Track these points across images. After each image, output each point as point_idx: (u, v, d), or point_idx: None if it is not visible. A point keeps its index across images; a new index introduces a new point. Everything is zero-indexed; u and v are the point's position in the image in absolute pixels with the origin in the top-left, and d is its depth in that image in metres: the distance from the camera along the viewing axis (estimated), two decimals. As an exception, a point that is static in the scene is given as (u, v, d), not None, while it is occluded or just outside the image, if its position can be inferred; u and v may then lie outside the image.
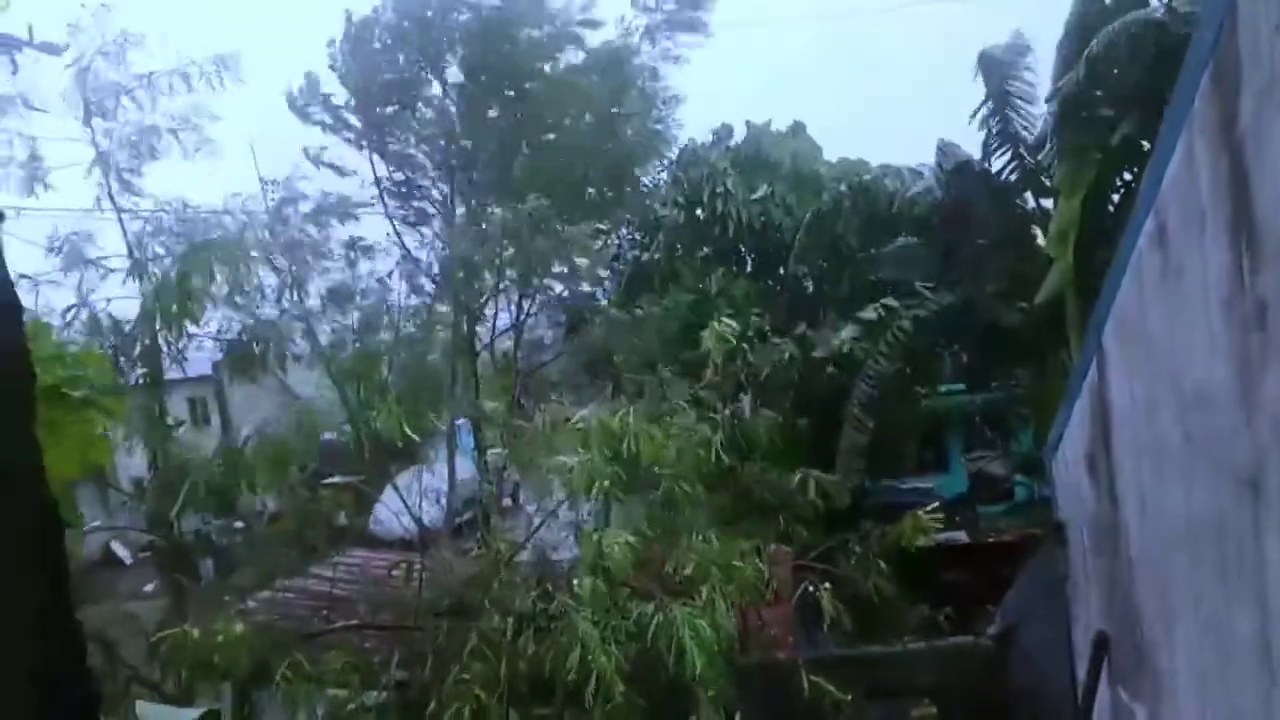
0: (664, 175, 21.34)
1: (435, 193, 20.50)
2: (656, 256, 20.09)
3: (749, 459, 13.87)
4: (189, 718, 6.84)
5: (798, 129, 20.98)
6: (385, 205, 20.53)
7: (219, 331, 15.39)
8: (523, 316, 21.79)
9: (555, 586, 8.80)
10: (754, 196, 19.10)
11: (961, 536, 15.89)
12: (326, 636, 10.07)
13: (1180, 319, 4.66)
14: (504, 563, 9.53)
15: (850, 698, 10.12)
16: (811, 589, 11.81)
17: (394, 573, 10.88)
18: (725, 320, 11.92)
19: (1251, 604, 3.97)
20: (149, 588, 14.31)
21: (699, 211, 19.57)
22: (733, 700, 9.16)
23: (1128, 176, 14.02)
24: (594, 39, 19.51)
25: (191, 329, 13.43)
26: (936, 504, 16.80)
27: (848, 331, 15.40)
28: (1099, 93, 12.96)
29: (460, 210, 20.08)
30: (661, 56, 19.70)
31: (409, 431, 11.58)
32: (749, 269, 20.39)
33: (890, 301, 15.24)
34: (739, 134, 21.39)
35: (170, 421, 15.52)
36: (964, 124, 16.84)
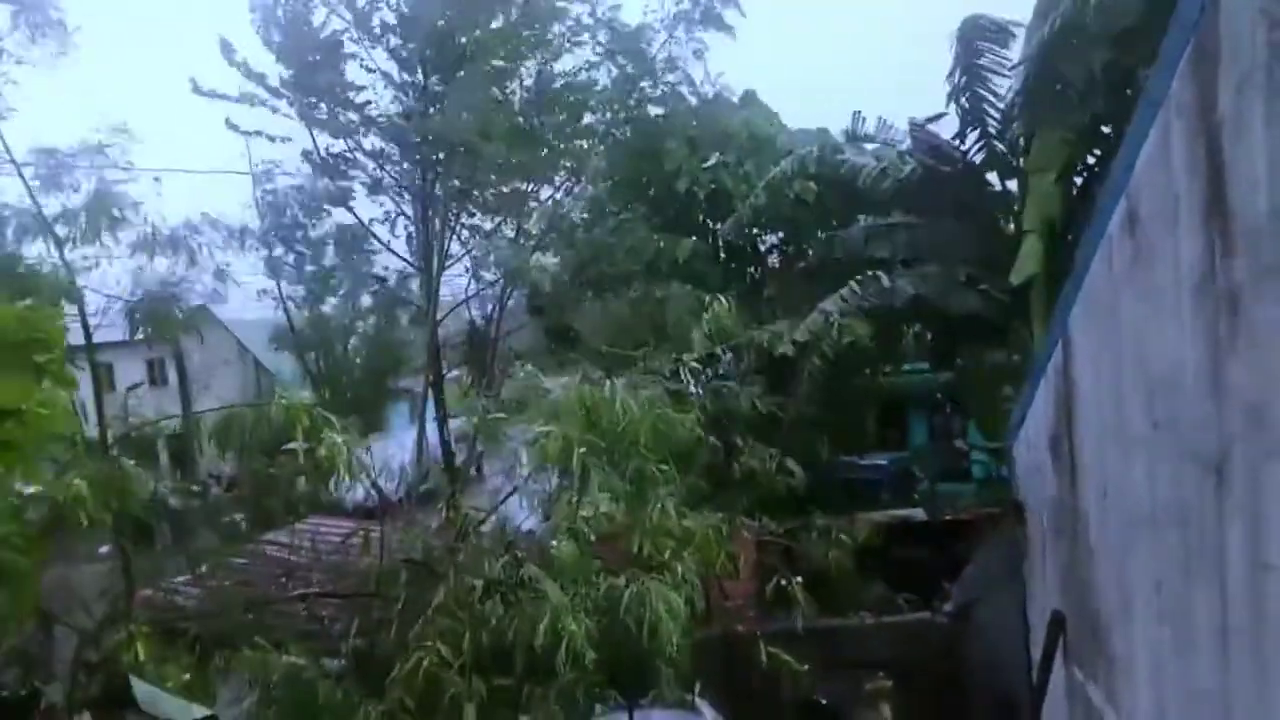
0: (608, 131, 20.77)
1: (383, 163, 20.02)
2: (607, 225, 19.76)
3: (724, 435, 13.93)
4: (184, 712, 6.69)
5: (749, 97, 20.69)
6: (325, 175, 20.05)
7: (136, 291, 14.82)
8: (478, 286, 21.56)
9: (524, 553, 8.75)
10: (706, 164, 18.83)
11: (919, 514, 16.06)
12: (283, 604, 9.96)
13: (1150, 304, 4.67)
14: (472, 528, 9.45)
15: (807, 669, 10.25)
16: (773, 566, 11.91)
17: (352, 541, 10.77)
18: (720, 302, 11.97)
19: (1212, 589, 4.01)
20: (104, 550, 14.08)
21: (645, 179, 19.25)
22: (693, 672, 9.20)
23: (1090, 160, 14.08)
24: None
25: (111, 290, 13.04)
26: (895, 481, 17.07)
27: (811, 319, 15.39)
28: (1066, 68, 12.96)
29: (415, 176, 19.69)
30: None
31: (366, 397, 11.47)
32: (706, 239, 20.09)
33: (854, 286, 15.22)
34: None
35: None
36: (927, 98, 16.83)
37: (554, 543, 8.62)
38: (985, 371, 15.24)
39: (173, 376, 22.99)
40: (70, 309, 11.84)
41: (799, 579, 11.59)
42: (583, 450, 7.95)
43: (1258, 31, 3.35)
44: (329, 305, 21.35)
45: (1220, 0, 3.65)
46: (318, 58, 18.50)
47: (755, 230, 18.80)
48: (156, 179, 14.14)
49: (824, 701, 11.91)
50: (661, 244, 18.02)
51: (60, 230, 11.74)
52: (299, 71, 18.63)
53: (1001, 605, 8.64)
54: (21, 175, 11.40)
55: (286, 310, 20.54)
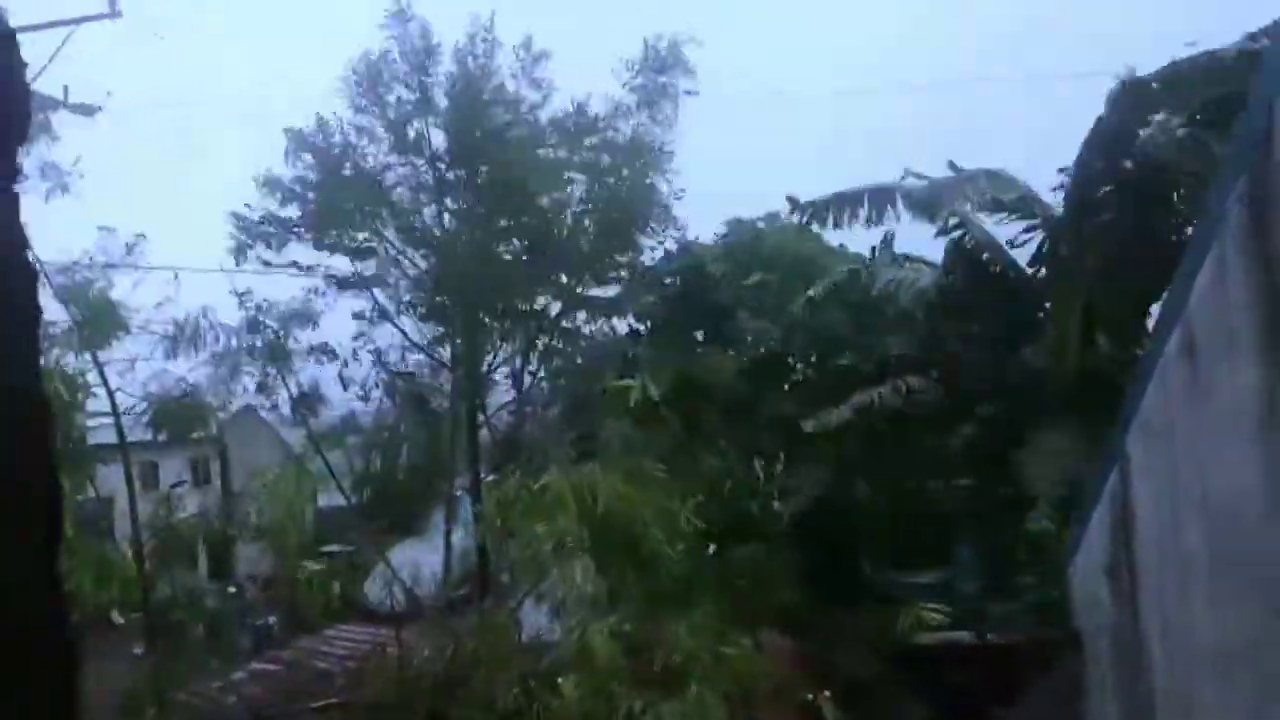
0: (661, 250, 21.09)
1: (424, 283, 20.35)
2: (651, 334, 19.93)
3: (744, 540, 13.69)
4: None
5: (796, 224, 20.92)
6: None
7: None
8: (521, 390, 21.72)
9: (539, 678, 8.40)
10: (747, 283, 19.04)
11: (965, 636, 15.50)
12: (306, 716, 9.79)
13: (1209, 432, 4.57)
14: (484, 653, 9.10)
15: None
16: (810, 691, 11.48)
17: (378, 650, 10.63)
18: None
19: (1288, 736, 3.81)
20: (138, 650, 13.99)
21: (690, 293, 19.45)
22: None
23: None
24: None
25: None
26: (939, 599, 16.54)
27: (838, 414, 15.28)
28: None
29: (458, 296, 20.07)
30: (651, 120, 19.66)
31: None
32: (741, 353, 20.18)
33: (883, 389, 15.10)
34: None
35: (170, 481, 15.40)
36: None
37: (559, 680, 8.21)
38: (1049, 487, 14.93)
39: (216, 480, 23.24)
40: (104, 409, 12.04)
41: (832, 697, 11.18)
42: (569, 541, 7.70)
43: (1316, 166, 3.35)
44: (371, 409, 21.58)
45: (1275, 138, 3.66)
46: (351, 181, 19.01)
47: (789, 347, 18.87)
48: (176, 275, 14.43)
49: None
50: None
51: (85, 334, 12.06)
52: (330, 195, 19.04)
53: (1059, 739, 8.26)
54: (49, 281, 11.72)
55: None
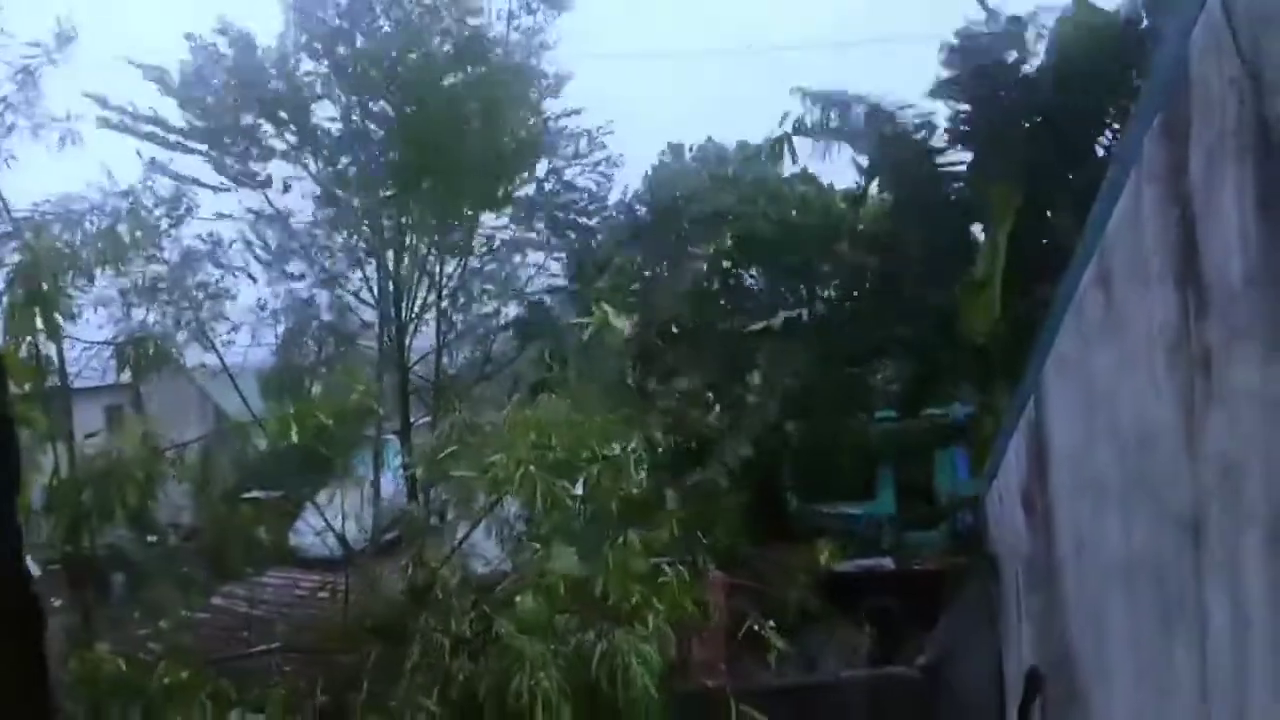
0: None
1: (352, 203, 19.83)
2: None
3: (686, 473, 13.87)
4: None
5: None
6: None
7: (115, 337, 14.52)
8: (448, 331, 21.41)
9: (491, 607, 8.54)
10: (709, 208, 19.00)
11: (888, 563, 16.03)
12: (245, 660, 9.70)
13: (1123, 361, 4.75)
14: (434, 583, 9.23)
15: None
16: (744, 613, 11.76)
17: (320, 594, 10.54)
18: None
19: (1191, 647, 4.03)
20: (56, 603, 13.65)
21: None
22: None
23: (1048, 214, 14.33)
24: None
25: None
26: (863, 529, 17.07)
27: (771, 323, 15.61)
28: (1022, 117, 13.33)
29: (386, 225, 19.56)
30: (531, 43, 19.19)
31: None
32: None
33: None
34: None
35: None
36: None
37: (518, 599, 8.39)
38: (968, 419, 15.39)
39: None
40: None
41: (772, 625, 11.49)
42: (531, 468, 7.73)
43: (1228, 101, 3.45)
44: (292, 348, 21.07)
45: (1192, 70, 3.76)
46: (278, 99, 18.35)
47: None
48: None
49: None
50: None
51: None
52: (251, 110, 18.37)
53: (976, 660, 8.63)
54: None
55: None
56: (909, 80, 16.08)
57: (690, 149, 21.06)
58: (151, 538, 19.01)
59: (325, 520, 13.02)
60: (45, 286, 9.36)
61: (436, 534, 12.75)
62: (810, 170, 18.10)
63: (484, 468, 8.04)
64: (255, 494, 16.53)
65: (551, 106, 19.28)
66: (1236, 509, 3.69)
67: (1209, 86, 3.66)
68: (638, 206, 20.26)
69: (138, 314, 13.19)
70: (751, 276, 19.43)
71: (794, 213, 17.56)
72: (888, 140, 15.51)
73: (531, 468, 7.73)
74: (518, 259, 21.23)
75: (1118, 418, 4.79)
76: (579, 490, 8.24)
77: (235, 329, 16.91)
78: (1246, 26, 3.28)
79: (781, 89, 16.39)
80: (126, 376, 13.09)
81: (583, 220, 20.44)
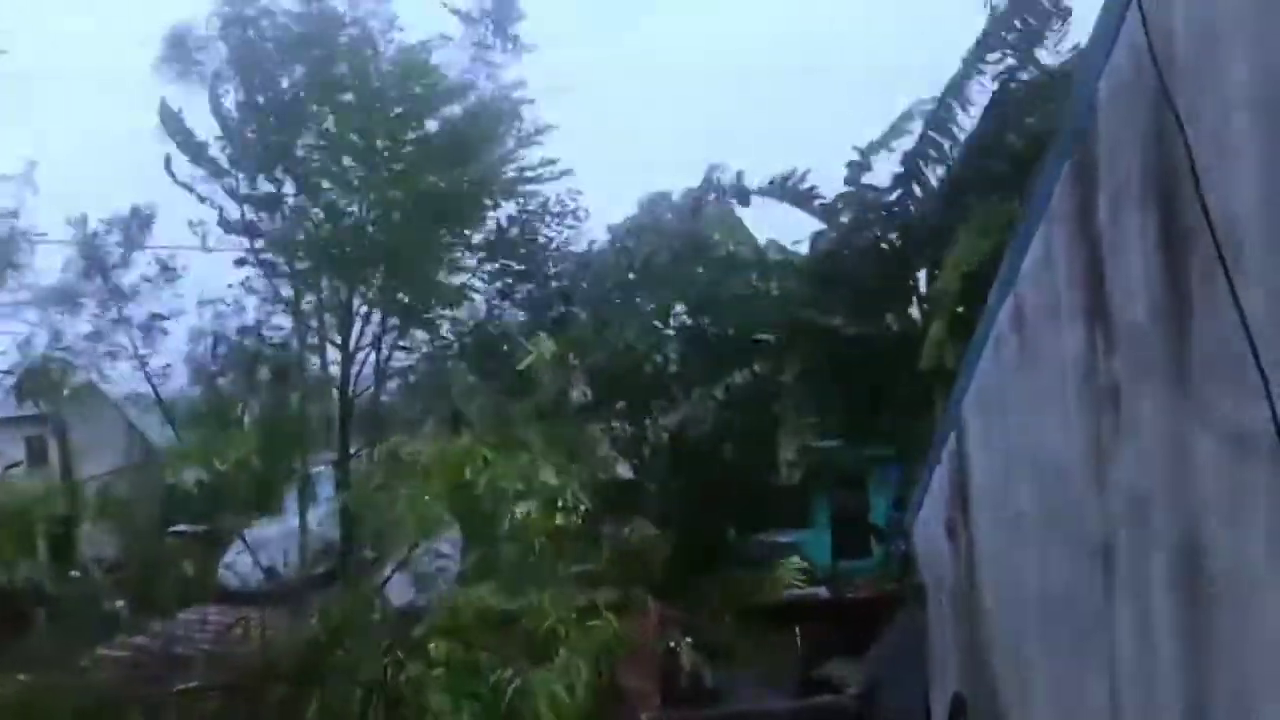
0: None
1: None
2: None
3: (614, 508, 13.87)
4: None
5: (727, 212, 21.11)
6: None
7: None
8: (385, 357, 21.17)
9: (406, 650, 8.36)
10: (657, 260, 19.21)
11: (822, 592, 16.19)
12: (163, 700, 9.44)
13: (1037, 395, 4.91)
14: (349, 627, 8.98)
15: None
16: (674, 645, 11.80)
17: (237, 630, 10.33)
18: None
19: (1101, 672, 4.16)
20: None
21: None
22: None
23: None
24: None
25: None
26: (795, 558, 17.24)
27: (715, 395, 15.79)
28: (991, 163, 13.74)
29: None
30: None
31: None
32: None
33: (758, 368, 15.68)
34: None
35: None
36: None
37: (431, 646, 8.20)
38: (899, 449, 15.67)
39: (54, 455, 21.89)
40: None
41: (701, 656, 11.52)
42: (441, 513, 7.66)
43: (1132, 151, 3.63)
44: (224, 383, 20.64)
45: (1099, 117, 3.94)
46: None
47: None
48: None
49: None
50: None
51: None
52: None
53: (906, 687, 8.74)
54: None
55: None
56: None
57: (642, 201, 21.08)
58: (74, 573, 18.45)
59: (252, 555, 12.79)
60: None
61: (363, 569, 12.58)
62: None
63: (407, 503, 7.95)
64: (181, 528, 16.14)
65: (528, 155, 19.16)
66: (1144, 540, 3.84)
67: (1115, 133, 3.85)
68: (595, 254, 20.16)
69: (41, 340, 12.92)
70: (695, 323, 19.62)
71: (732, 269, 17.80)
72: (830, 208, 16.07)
73: (442, 513, 7.64)
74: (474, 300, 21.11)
75: (1033, 450, 4.94)
76: (505, 525, 8.18)
77: (166, 364, 16.63)
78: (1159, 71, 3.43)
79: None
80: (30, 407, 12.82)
81: (544, 267, 20.29)
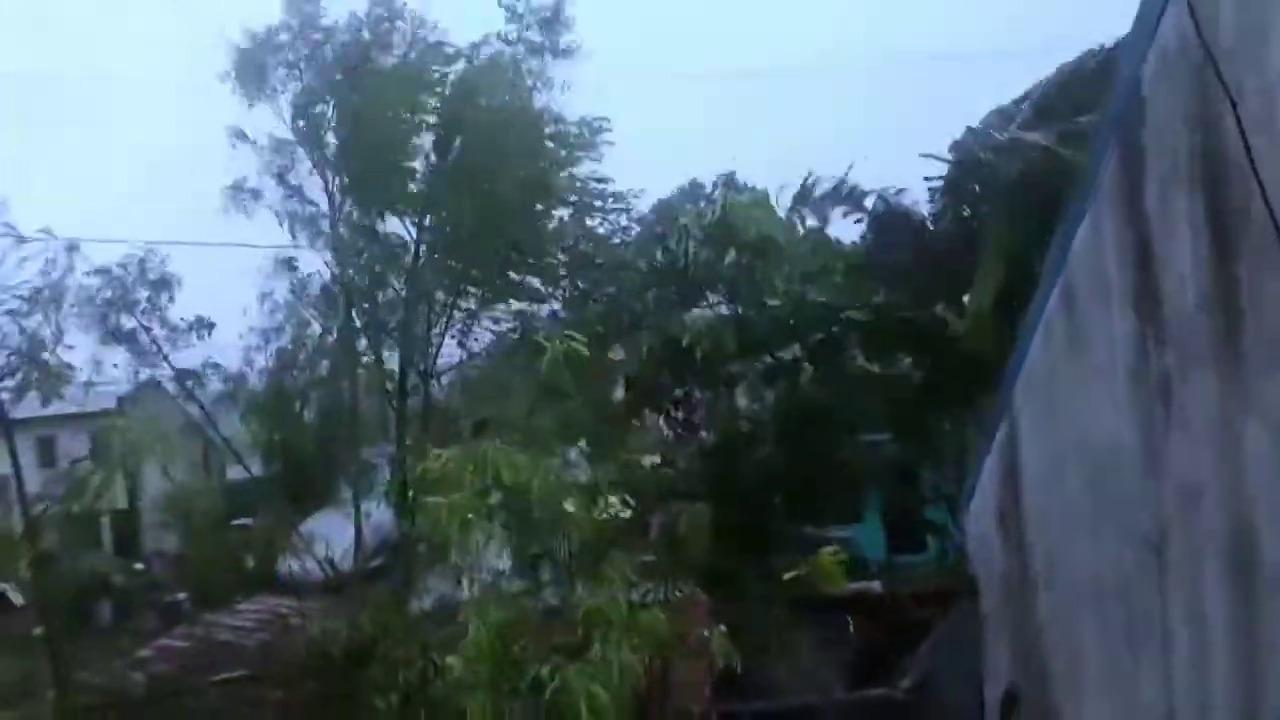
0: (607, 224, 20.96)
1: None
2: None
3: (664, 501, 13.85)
4: None
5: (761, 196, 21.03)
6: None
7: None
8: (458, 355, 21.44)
9: (446, 649, 8.34)
10: (725, 262, 19.17)
11: (876, 587, 16.05)
12: (216, 689, 9.69)
13: (1087, 382, 4.81)
14: (394, 622, 9.03)
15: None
16: (723, 637, 11.76)
17: (291, 622, 10.55)
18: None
19: (1156, 666, 4.08)
20: (39, 630, 13.61)
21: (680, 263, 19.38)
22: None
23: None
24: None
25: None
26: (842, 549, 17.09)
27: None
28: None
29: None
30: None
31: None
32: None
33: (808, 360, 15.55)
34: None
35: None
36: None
37: (461, 647, 8.18)
38: (953, 442, 15.45)
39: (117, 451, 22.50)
40: None
41: (750, 651, 11.46)
42: (470, 516, 7.66)
43: (1180, 134, 3.54)
44: (284, 373, 21.05)
45: (1145, 100, 3.85)
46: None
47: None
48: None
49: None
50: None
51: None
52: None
53: (959, 680, 8.63)
54: None
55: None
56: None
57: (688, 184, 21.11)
58: (138, 565, 18.98)
59: (309, 547, 13.03)
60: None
61: (415, 563, 12.72)
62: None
63: (451, 502, 7.94)
64: (243, 521, 16.48)
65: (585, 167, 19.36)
66: (1197, 532, 3.75)
67: (1161, 116, 3.76)
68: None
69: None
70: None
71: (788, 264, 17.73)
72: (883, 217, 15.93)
73: (470, 516, 7.63)
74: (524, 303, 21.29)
75: (1083, 438, 4.85)
76: (552, 520, 8.18)
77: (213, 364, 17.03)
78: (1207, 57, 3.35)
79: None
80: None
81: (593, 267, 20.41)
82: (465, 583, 8.79)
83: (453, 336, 20.58)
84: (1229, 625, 3.51)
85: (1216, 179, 3.30)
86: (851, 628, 13.89)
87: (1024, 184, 13.51)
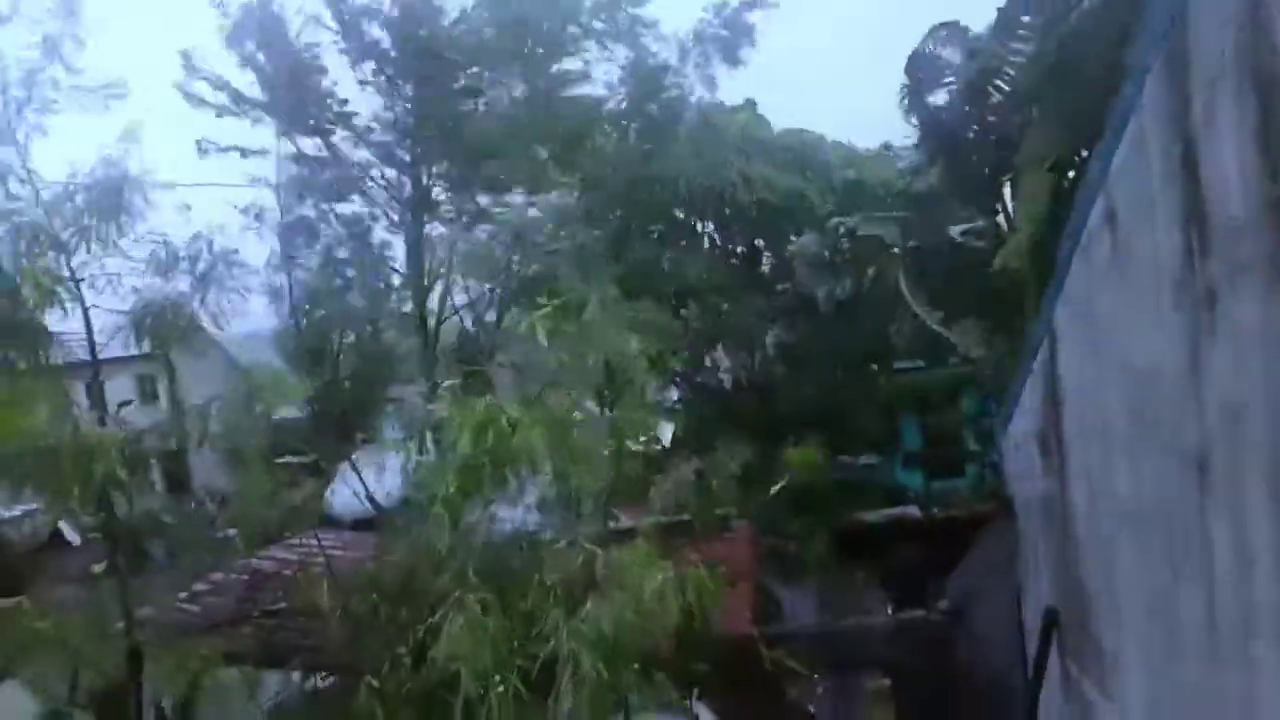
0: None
1: (375, 171, 20.02)
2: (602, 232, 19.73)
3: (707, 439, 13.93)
4: None
5: (748, 105, 20.89)
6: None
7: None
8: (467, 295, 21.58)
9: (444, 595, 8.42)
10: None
11: (914, 512, 16.09)
12: (248, 622, 10.01)
13: (1129, 300, 4.71)
14: (425, 559, 9.08)
15: (808, 672, 10.26)
16: (763, 565, 11.91)
17: (338, 555, 10.77)
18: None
19: (1198, 584, 4.05)
20: (97, 568, 14.06)
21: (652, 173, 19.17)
22: (695, 676, 9.17)
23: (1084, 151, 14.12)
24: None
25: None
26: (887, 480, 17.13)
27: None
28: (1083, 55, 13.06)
29: (408, 185, 19.76)
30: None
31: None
32: (705, 243, 20.36)
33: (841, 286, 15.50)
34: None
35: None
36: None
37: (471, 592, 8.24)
38: (990, 364, 15.36)
39: (164, 393, 22.94)
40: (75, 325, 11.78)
41: (793, 575, 11.61)
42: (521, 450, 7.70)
43: (1225, 36, 3.39)
44: (319, 313, 21.32)
45: (1190, 9, 3.69)
46: (299, 67, 18.54)
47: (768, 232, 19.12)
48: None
49: (811, 708, 12.03)
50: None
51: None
52: (279, 81, 18.64)
53: (996, 602, 8.67)
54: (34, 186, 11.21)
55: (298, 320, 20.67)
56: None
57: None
58: (190, 504, 19.47)
59: (359, 481, 13.22)
60: (65, 258, 9.46)
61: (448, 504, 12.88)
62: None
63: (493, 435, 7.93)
64: (289, 458, 16.75)
65: None
66: (1240, 448, 3.68)
67: (1208, 25, 3.60)
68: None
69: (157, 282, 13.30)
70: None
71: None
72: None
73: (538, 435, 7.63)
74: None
75: (1125, 357, 4.77)
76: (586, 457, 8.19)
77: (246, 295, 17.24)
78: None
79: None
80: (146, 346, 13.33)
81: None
82: (496, 522, 8.84)
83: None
84: (1272, 544, 3.46)
85: (1268, 82, 3.17)
86: (890, 552, 14.00)
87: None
